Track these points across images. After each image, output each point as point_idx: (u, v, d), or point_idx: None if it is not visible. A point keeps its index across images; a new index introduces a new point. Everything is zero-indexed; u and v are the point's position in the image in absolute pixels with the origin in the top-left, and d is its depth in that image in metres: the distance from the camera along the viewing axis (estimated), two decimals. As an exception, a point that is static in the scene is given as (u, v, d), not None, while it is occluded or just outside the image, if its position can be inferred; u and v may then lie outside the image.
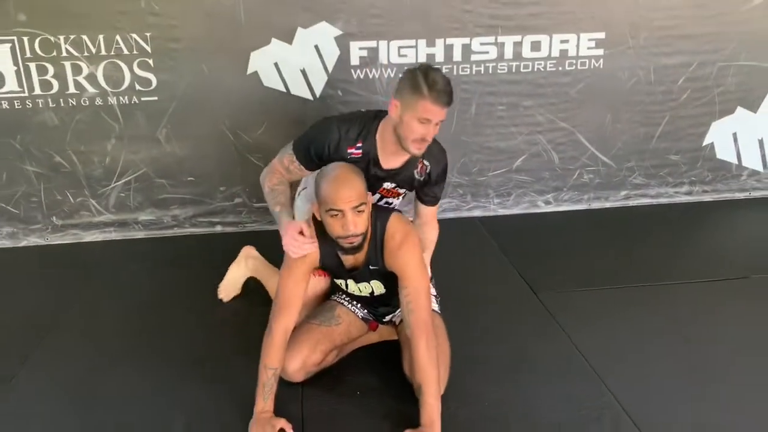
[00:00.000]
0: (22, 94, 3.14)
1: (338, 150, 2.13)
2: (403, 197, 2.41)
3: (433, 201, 2.37)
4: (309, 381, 2.18)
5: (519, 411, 2.07)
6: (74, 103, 3.18)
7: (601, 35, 3.40)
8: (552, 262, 3.09)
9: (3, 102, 3.14)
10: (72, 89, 3.16)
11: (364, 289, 2.20)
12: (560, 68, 3.43)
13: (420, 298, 1.99)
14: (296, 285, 2.04)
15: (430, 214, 2.41)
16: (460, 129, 3.48)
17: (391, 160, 2.19)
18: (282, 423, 1.94)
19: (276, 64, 3.25)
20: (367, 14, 3.22)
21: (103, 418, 2.08)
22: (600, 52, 3.43)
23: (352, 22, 3.22)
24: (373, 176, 2.19)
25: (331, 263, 2.10)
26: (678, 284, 2.88)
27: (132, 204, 3.40)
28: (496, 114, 3.49)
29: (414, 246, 2.04)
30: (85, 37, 3.08)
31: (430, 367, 1.93)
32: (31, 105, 3.16)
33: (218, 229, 3.49)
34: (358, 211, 1.91)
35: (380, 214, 2.06)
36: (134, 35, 3.11)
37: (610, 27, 3.40)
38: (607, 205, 3.75)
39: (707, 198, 3.81)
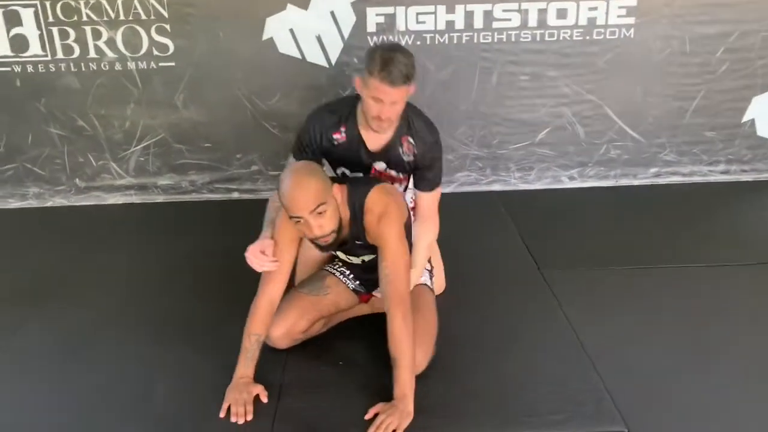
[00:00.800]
0: (46, 58, 3.22)
1: (324, 137, 2.17)
2: (404, 186, 2.32)
3: (427, 186, 2.25)
4: (294, 349, 2.18)
5: (500, 389, 2.02)
6: (95, 68, 3.24)
7: (633, 2, 3.21)
8: (566, 240, 2.98)
9: (28, 66, 3.23)
10: (92, 54, 3.21)
11: (354, 259, 2.17)
12: (588, 37, 3.27)
13: (398, 269, 1.95)
14: (282, 256, 2.03)
15: (426, 206, 2.28)
16: (480, 99, 3.37)
17: (374, 139, 2.16)
18: (258, 389, 1.96)
19: (291, 30, 3.21)
20: (384, -20, 3.14)
21: (84, 376, 2.15)
22: (631, 20, 3.24)
23: (369, -14, 3.15)
24: (363, 158, 2.19)
25: None
26: (698, 267, 2.73)
27: (151, 168, 3.46)
28: (518, 84, 3.36)
29: (393, 218, 1.98)
30: (104, 2, 3.12)
31: (405, 339, 1.90)
32: (54, 69, 3.23)
33: (235, 195, 3.52)
34: (319, 213, 1.86)
35: (358, 190, 2.01)
36: (152, 0, 3.13)
37: (643, -7, 3.21)
38: (636, 182, 3.58)
39: (745, 178, 3.59)
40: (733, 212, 3.30)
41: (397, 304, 1.93)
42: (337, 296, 2.24)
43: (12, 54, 3.20)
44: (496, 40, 3.26)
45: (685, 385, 2.03)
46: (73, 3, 3.11)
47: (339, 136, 2.16)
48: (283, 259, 2.04)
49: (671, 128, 3.48)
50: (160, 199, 3.51)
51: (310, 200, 1.84)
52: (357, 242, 2.07)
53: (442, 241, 2.71)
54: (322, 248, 2.00)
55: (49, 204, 3.50)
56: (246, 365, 1.98)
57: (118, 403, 2.02)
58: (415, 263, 2.16)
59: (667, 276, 2.67)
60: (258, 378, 2.01)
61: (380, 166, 2.22)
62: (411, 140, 2.17)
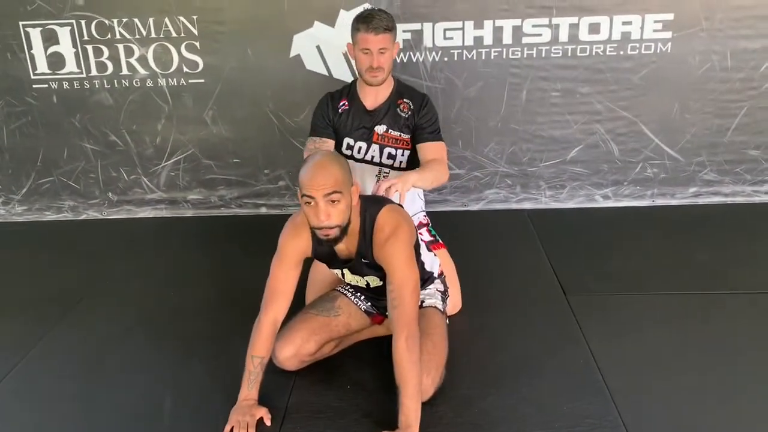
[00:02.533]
0: (81, 75, 3.31)
1: (333, 110, 2.45)
2: (406, 151, 2.44)
3: (431, 135, 2.39)
4: (303, 371, 2.14)
5: (510, 420, 1.93)
6: (127, 84, 3.31)
7: (670, 16, 3.10)
8: (596, 263, 2.87)
9: (64, 83, 3.32)
10: (125, 71, 3.29)
11: (359, 280, 2.13)
12: (621, 52, 3.17)
13: (405, 293, 1.88)
14: (287, 274, 1.98)
15: (432, 150, 2.37)
16: (509, 115, 3.31)
17: (371, 99, 2.42)
18: (262, 412, 1.91)
19: (318, 47, 3.22)
20: (411, -5, 3.12)
21: (99, 387, 2.17)
22: (668, 35, 3.13)
23: (395, 3, 3.12)
24: (365, 121, 2.42)
25: (323, 253, 2.04)
26: (740, 295, 2.57)
27: (181, 183, 3.51)
28: (549, 101, 3.28)
29: (403, 239, 1.92)
30: (136, 20, 3.19)
31: (409, 366, 1.82)
32: (88, 85, 3.32)
33: (263, 210, 3.53)
34: (332, 201, 1.80)
35: (371, 206, 1.96)
36: (182, 18, 3.18)
37: (680, 7, 3.09)
38: (674, 202, 3.44)
39: (793, 198, 3.42)
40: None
41: (403, 330, 1.85)
42: (349, 317, 2.20)
43: (49, 71, 3.31)
44: (525, 55, 3.19)
45: (709, 422, 1.90)
46: (107, 21, 3.19)
47: (343, 105, 2.45)
48: (288, 278, 1.99)
49: (711, 146, 3.33)
50: (190, 213, 3.56)
51: (329, 182, 1.80)
52: (363, 260, 2.01)
53: (464, 260, 2.68)
54: (325, 260, 2.02)
55: (83, 217, 3.58)
56: (250, 387, 1.94)
57: (127, 415, 2.03)
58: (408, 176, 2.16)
59: (704, 304, 2.51)
60: (264, 400, 1.98)
61: (381, 129, 2.41)
62: (406, 100, 2.42)
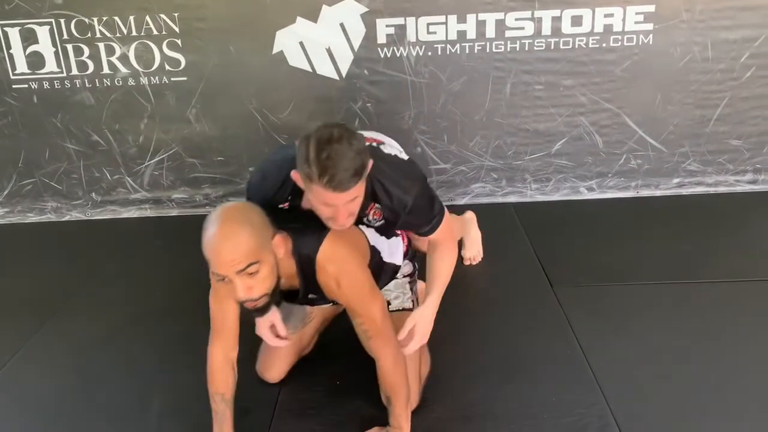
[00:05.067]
0: (61, 75, 3.27)
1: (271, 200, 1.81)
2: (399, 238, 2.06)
3: (425, 231, 1.93)
4: (293, 368, 2.14)
5: (498, 412, 1.95)
6: (109, 84, 3.28)
7: (651, 8, 3.11)
8: (582, 254, 2.88)
9: (44, 82, 3.28)
10: (106, 70, 3.25)
11: (317, 306, 1.99)
12: (604, 45, 3.18)
13: (376, 322, 1.74)
14: (224, 308, 1.76)
15: (433, 240, 1.97)
16: (493, 109, 3.31)
17: None
18: None
19: (301, 43, 3.20)
20: (394, -10, 3.11)
21: (84, 389, 2.16)
22: (649, 26, 3.14)
23: (378, -2, 3.12)
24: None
25: None
26: (724, 283, 2.59)
27: (165, 182, 3.48)
28: (533, 94, 3.29)
29: (353, 276, 1.71)
30: (116, 18, 3.16)
31: (399, 379, 1.77)
32: (69, 85, 3.28)
33: (248, 208, 3.51)
34: (249, 274, 1.52)
35: (306, 240, 1.69)
36: (163, 16, 3.15)
37: (661, -1, 3.11)
38: (658, 193, 3.46)
39: (775, 187, 3.45)
40: (762, 224, 3.15)
41: (387, 354, 1.76)
42: (321, 313, 2.16)
43: (29, 71, 3.26)
44: (509, 49, 3.20)
45: (697, 412, 1.92)
46: (86, 20, 3.16)
47: (283, 206, 1.82)
48: (226, 311, 1.76)
49: (694, 137, 3.36)
50: (175, 212, 3.53)
51: (237, 258, 1.49)
52: (310, 296, 1.81)
53: None
54: (250, 312, 1.66)
55: (66, 218, 3.55)
56: (220, 428, 1.78)
57: (113, 417, 2.02)
58: (431, 295, 1.91)
59: (689, 293, 2.54)
60: (253, 395, 1.99)
61: None
62: (378, 206, 1.84)
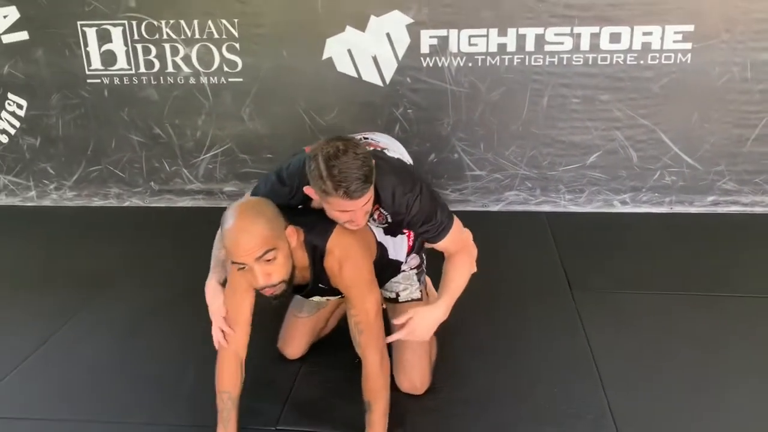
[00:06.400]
0: (130, 72, 3.57)
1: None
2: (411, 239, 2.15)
3: (432, 237, 1.95)
4: (310, 359, 2.28)
5: (500, 397, 2.07)
6: (172, 81, 3.56)
7: (690, 28, 3.18)
8: (607, 263, 2.96)
9: (115, 78, 3.59)
10: (170, 68, 3.53)
11: (320, 299, 2.07)
12: (642, 62, 3.26)
13: (369, 317, 1.81)
14: (239, 303, 1.85)
15: (445, 248, 1.99)
16: (530, 120, 3.43)
17: None
18: None
19: (349, 51, 3.40)
20: (438, 3, 3.28)
21: (128, 355, 2.39)
22: (688, 45, 3.21)
23: (423, 10, 3.28)
24: None
25: None
26: (741, 297, 2.64)
27: (218, 175, 3.73)
28: (569, 107, 3.39)
29: (356, 263, 1.80)
30: (182, 21, 3.43)
31: (382, 385, 1.81)
32: (136, 81, 3.58)
33: (293, 204, 3.73)
34: (266, 261, 1.65)
35: (317, 231, 1.81)
36: (224, 21, 3.41)
37: (701, 19, 3.17)
38: (692, 210, 3.50)
39: (813, 211, 3.44)
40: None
41: (374, 353, 1.80)
42: (336, 299, 2.22)
43: (102, 68, 3.58)
44: (547, 62, 3.32)
45: (693, 418, 1.99)
46: (155, 22, 3.45)
47: (297, 204, 1.92)
48: (240, 306, 1.85)
49: (730, 156, 3.39)
50: (225, 204, 3.76)
51: (255, 246, 1.62)
52: (320, 285, 1.90)
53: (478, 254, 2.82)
54: (270, 299, 1.74)
55: (126, 204, 3.84)
56: (224, 427, 1.84)
57: (150, 385, 2.22)
58: (440, 299, 1.93)
59: (709, 305, 2.59)
60: (268, 384, 2.15)
61: None
62: (382, 210, 1.92)
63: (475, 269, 2.05)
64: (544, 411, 2.01)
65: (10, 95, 3.69)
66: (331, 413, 2.00)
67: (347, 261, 1.80)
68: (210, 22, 3.41)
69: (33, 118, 3.72)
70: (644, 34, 3.22)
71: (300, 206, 1.93)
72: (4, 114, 3.73)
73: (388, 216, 1.95)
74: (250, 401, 1.97)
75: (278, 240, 1.68)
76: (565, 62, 3.31)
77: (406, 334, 1.89)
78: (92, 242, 3.42)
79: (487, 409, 2.03)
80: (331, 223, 1.83)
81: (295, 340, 2.26)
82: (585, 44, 3.26)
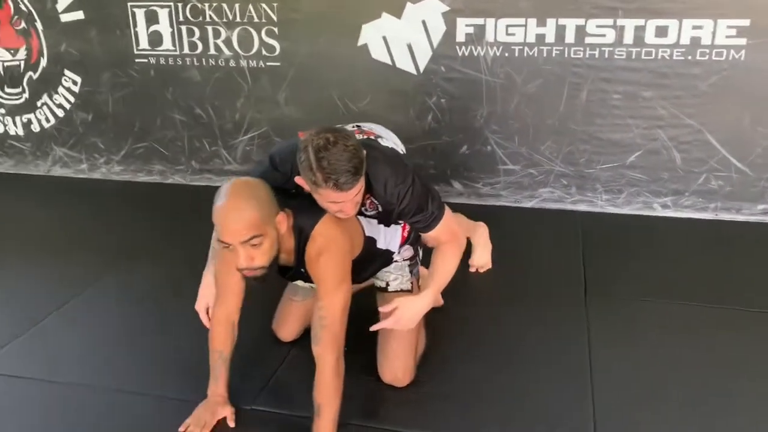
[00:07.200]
0: (175, 53, 3.68)
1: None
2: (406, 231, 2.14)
3: (423, 228, 1.97)
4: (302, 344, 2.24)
5: (484, 396, 2.02)
6: (213, 63, 3.65)
7: (745, 22, 2.96)
8: (631, 268, 2.81)
9: (161, 58, 3.71)
10: (212, 51, 3.62)
11: (307, 284, 2.03)
12: (690, 57, 3.06)
13: (334, 312, 1.77)
14: (229, 271, 1.86)
15: (435, 237, 1.99)
16: (567, 115, 3.29)
17: None
18: (226, 412, 1.91)
19: (384, 38, 3.37)
20: (476, -9, 3.20)
21: (142, 324, 2.49)
22: (742, 41, 2.99)
23: (459, -1, 3.22)
24: None
25: None
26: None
27: (255, 157, 3.79)
28: (610, 103, 3.23)
29: (334, 257, 1.78)
30: (224, 5, 3.50)
31: (333, 390, 1.78)
32: (180, 62, 3.69)
33: (325, 189, 3.75)
34: (252, 245, 1.66)
35: (307, 217, 1.81)
36: (264, 5, 3.46)
37: (758, 13, 2.94)
38: (740, 218, 3.27)
39: None
40: None
41: (333, 351, 1.77)
42: None
43: (149, 48, 3.70)
44: (587, 55, 3.17)
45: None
46: (199, 5, 3.53)
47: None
48: (230, 275, 1.87)
49: (785, 163, 3.14)
50: (260, 186, 3.84)
51: (243, 229, 1.63)
52: (301, 270, 1.88)
53: (500, 254, 2.79)
54: (249, 280, 1.78)
55: (169, 181, 3.98)
56: (215, 383, 1.93)
57: (149, 357, 2.30)
58: (427, 289, 1.96)
59: (731, 320, 2.43)
60: (268, 349, 2.18)
61: None
62: (373, 199, 1.93)
63: (460, 256, 2.04)
64: (522, 417, 1.94)
65: (66, 72, 3.89)
66: (309, 399, 2.00)
67: (326, 252, 1.78)
68: (250, 5, 3.47)
69: (86, 95, 3.91)
70: (694, 28, 3.02)
71: (294, 190, 1.92)
72: (60, 89, 3.93)
73: (379, 206, 1.95)
74: (233, 378, 1.99)
75: (266, 226, 1.69)
76: (606, 56, 3.15)
77: (392, 323, 1.92)
78: (130, 216, 3.56)
79: (467, 407, 1.98)
80: (321, 210, 1.82)
81: (288, 323, 2.28)
82: (628, 37, 3.09)
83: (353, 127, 2.16)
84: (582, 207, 3.44)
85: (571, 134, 3.33)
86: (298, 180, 1.79)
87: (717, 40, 3.02)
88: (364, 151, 1.76)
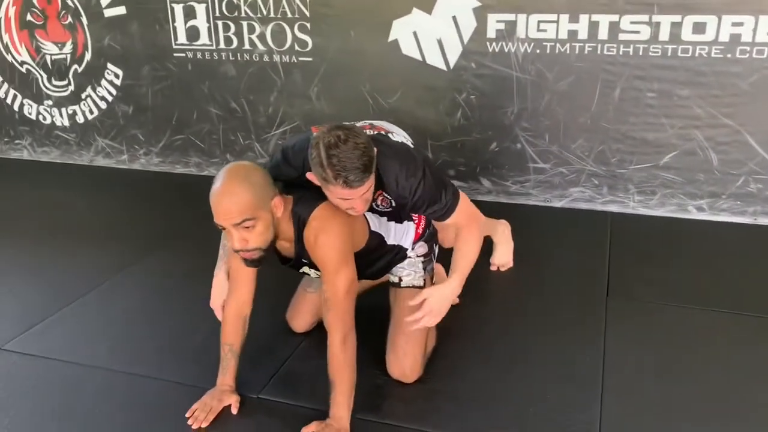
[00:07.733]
0: (211, 47, 3.75)
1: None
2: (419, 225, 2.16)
3: (440, 215, 1.97)
4: (313, 337, 2.30)
5: (488, 397, 2.00)
6: (248, 58, 3.71)
7: (789, 19, 2.84)
8: (657, 272, 2.74)
9: (198, 53, 3.80)
10: (247, 46, 3.68)
11: (313, 272, 2.03)
12: (729, 55, 2.96)
13: (338, 294, 1.80)
14: (241, 264, 1.88)
15: (454, 223, 2.00)
16: (600, 113, 3.22)
17: None
18: (232, 400, 1.95)
19: (415, 33, 3.36)
20: (507, -14, 3.15)
21: (164, 310, 2.56)
22: (786, 39, 2.87)
23: (490, -7, 3.18)
24: None
25: None
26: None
27: (287, 151, 3.85)
28: (644, 101, 3.15)
29: (332, 238, 1.79)
30: (259, 1, 3.55)
31: (344, 366, 1.81)
32: (216, 57, 3.76)
33: (355, 184, 3.77)
34: (245, 227, 1.69)
35: (305, 203, 1.83)
36: (297, 1, 3.49)
37: (802, 9, 2.82)
38: (780, 223, 3.15)
39: None
40: None
41: (338, 331, 1.81)
42: None
43: (187, 42, 3.79)
44: (621, 52, 3.09)
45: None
46: (235, 1, 3.60)
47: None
48: (243, 271, 1.94)
49: (830, 166, 3.00)
50: (292, 179, 3.89)
51: (235, 212, 1.67)
52: (303, 260, 1.92)
53: (526, 253, 2.78)
54: (246, 262, 1.81)
55: (205, 173, 4.07)
56: (223, 374, 1.99)
57: (164, 343, 2.36)
58: (451, 281, 1.96)
59: (752, 328, 2.34)
60: (281, 340, 2.22)
61: None
62: (385, 194, 1.96)
63: (481, 239, 2.06)
64: (528, 419, 1.91)
65: (108, 65, 4.02)
66: (315, 391, 2.01)
67: (323, 234, 1.79)
68: (284, 1, 3.51)
69: (127, 87, 4.03)
70: (734, 24, 2.91)
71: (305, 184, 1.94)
72: (103, 82, 4.07)
73: (392, 200, 1.96)
74: (243, 367, 2.04)
75: (260, 210, 1.71)
76: (641, 53, 3.06)
77: (424, 314, 1.93)
78: (165, 206, 3.67)
79: (473, 406, 1.96)
80: (321, 197, 1.83)
81: (301, 314, 2.31)
82: (664, 34, 3.00)
83: (365, 123, 2.17)
84: (613, 208, 3.37)
85: (603, 133, 3.26)
86: (309, 176, 1.82)
87: (758, 38, 2.90)
88: (375, 149, 1.77)
